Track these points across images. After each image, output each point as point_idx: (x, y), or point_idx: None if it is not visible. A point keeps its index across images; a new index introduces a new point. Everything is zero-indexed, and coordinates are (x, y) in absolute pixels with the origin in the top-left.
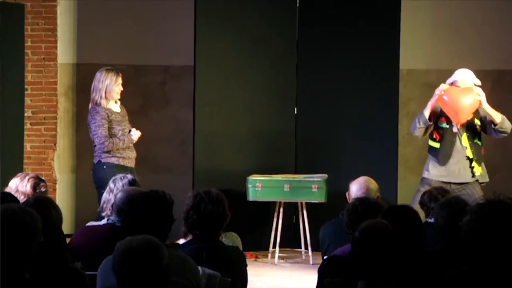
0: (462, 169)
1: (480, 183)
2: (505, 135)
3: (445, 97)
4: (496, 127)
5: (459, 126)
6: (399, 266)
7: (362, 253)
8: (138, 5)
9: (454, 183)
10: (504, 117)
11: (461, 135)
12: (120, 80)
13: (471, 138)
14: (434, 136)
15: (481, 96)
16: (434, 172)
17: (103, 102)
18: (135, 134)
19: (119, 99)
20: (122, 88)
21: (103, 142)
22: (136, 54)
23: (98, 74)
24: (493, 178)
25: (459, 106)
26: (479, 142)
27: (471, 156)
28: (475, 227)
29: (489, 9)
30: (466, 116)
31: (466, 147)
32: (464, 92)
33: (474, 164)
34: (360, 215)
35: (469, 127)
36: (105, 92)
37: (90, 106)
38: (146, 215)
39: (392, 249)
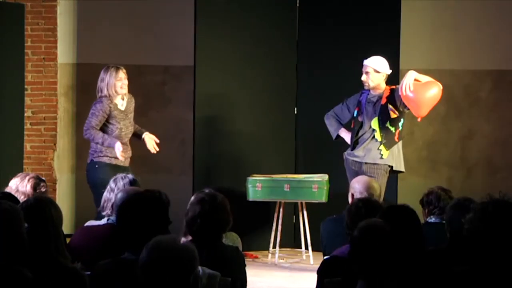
0: (368, 150)
1: (394, 170)
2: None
3: (410, 94)
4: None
5: (419, 120)
6: (398, 265)
7: (361, 252)
8: (138, 5)
9: (366, 163)
10: None
11: (371, 119)
12: (121, 75)
13: (382, 122)
14: (351, 126)
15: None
16: (349, 151)
17: (111, 98)
18: (118, 150)
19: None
20: (126, 82)
21: (86, 130)
22: (136, 54)
23: (101, 74)
24: (493, 178)
25: (421, 100)
26: (391, 128)
27: (379, 139)
28: (478, 226)
29: (489, 9)
30: (427, 110)
31: (376, 130)
32: (427, 86)
33: (381, 147)
34: (363, 217)
35: (381, 111)
36: (107, 89)
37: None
38: (139, 215)
39: (391, 249)
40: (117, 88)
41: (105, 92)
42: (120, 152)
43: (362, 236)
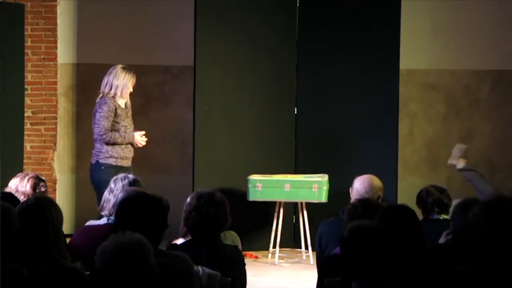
0: None
1: None
2: None
3: None
4: None
5: None
6: (396, 265)
7: (351, 253)
8: (138, 5)
9: None
10: None
11: None
12: (134, 82)
13: None
14: None
15: None
16: None
17: (116, 98)
18: (138, 141)
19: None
20: (131, 90)
21: (102, 134)
22: (136, 54)
23: (113, 70)
24: (493, 178)
25: None
26: None
27: None
28: (479, 226)
29: (489, 9)
30: None
31: None
32: None
33: None
34: (360, 217)
35: None
36: (120, 90)
37: (99, 98)
38: (137, 216)
39: (382, 249)
40: (126, 92)
41: (116, 91)
42: (143, 140)
43: (350, 237)
